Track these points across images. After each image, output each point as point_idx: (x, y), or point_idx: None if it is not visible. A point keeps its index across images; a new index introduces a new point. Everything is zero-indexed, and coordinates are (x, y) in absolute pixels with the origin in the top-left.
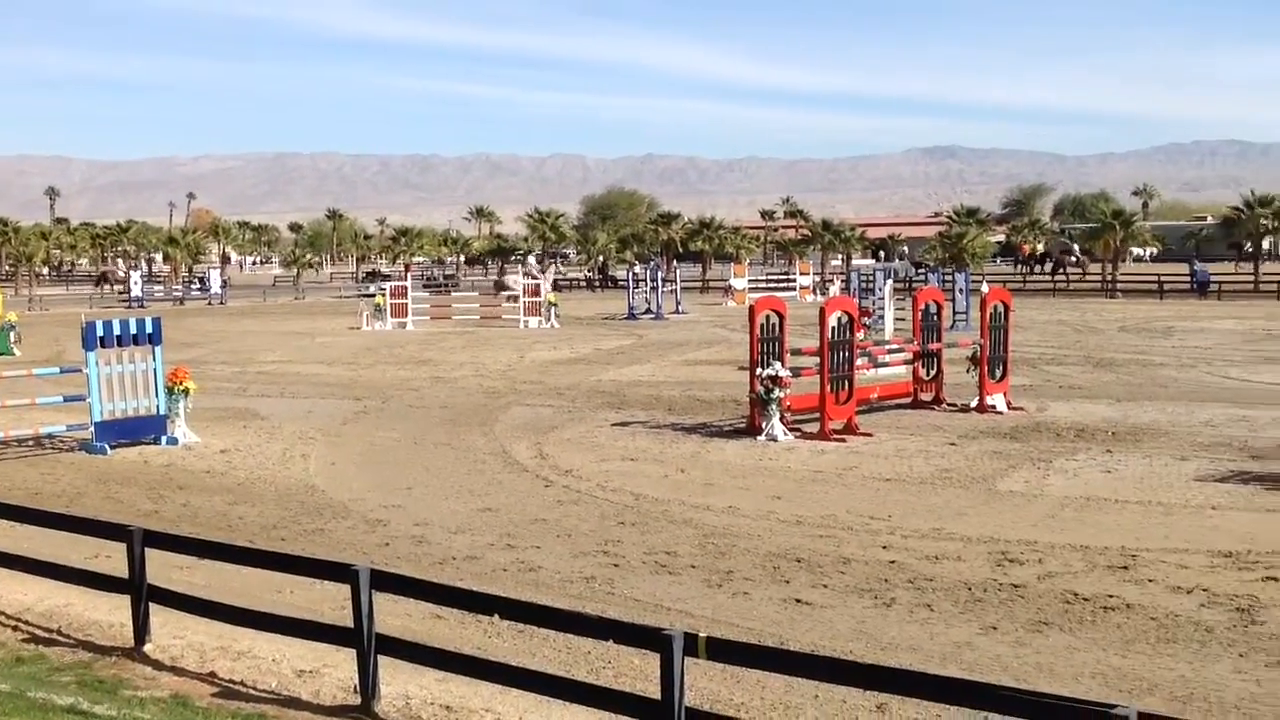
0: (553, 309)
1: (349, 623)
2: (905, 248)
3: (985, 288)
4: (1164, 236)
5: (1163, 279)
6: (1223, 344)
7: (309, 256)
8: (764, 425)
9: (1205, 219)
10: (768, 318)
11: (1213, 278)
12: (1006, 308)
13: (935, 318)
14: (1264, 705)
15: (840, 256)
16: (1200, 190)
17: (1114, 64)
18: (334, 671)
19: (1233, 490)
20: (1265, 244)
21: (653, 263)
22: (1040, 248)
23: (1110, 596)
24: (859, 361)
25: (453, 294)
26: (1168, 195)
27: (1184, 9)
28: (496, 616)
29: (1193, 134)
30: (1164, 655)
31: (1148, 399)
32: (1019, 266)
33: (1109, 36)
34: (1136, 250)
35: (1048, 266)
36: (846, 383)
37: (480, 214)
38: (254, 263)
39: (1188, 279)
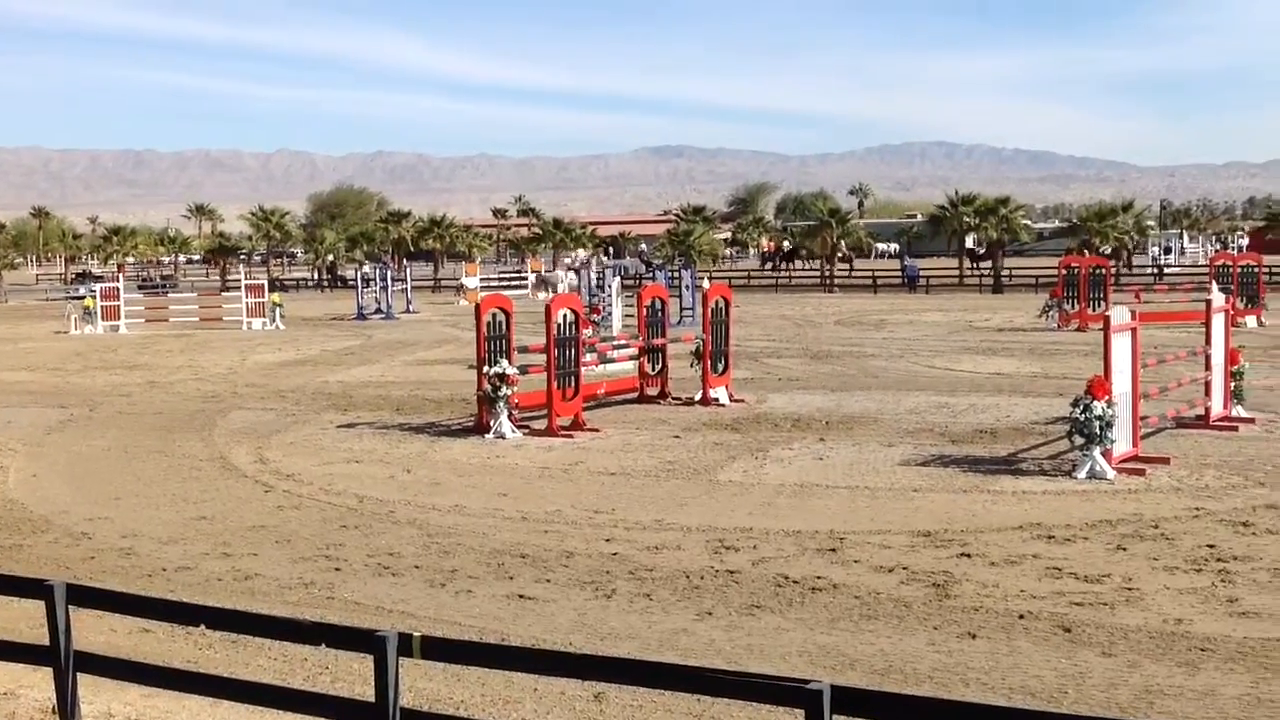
0: (277, 309)
1: (45, 641)
2: (645, 245)
3: (706, 283)
4: (878, 233)
5: (876, 274)
6: (929, 335)
7: (12, 257)
8: (492, 423)
9: (916, 216)
10: (494, 315)
11: (921, 272)
12: (727, 303)
13: (660, 314)
14: (953, 674)
15: (573, 253)
16: (912, 189)
17: (832, 68)
18: (31, 692)
19: (933, 473)
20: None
21: (383, 262)
22: (786, 244)
23: (819, 578)
24: (586, 358)
25: (170, 295)
26: (881, 194)
27: (893, 17)
28: (204, 627)
29: (905, 136)
30: (866, 631)
31: (859, 389)
32: (765, 263)
33: (825, 40)
34: (881, 246)
35: (796, 264)
36: (574, 379)
37: (201, 212)
38: None
39: (899, 274)
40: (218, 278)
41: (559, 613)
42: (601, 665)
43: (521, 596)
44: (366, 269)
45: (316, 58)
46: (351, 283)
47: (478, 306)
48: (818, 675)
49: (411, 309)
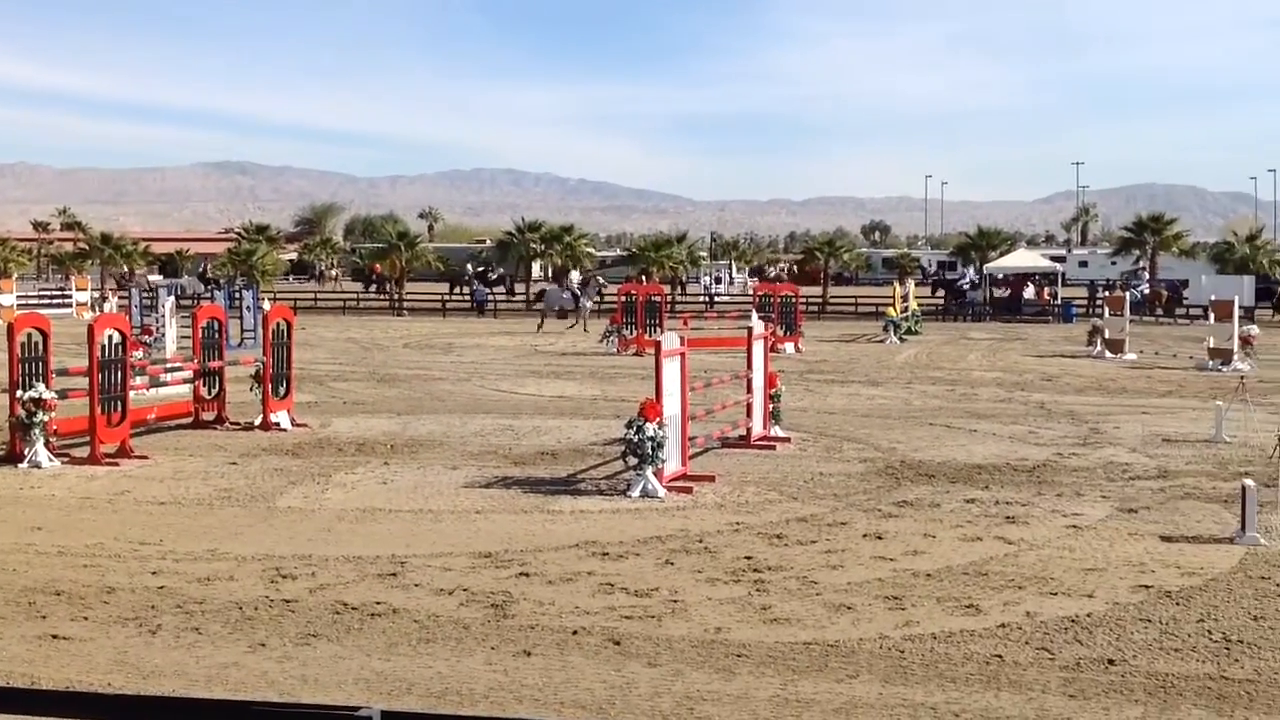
0: None
1: None
2: (207, 263)
3: (267, 305)
4: (448, 258)
5: (446, 298)
6: (496, 359)
7: None
8: (26, 452)
9: (485, 241)
10: (29, 336)
11: (490, 297)
12: (289, 325)
13: (217, 335)
14: (508, 692)
15: (129, 272)
16: (481, 214)
17: (401, 91)
18: None
19: (496, 494)
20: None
21: None
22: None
23: (378, 603)
24: (136, 381)
25: None
26: (451, 218)
27: (462, 45)
28: None
29: (474, 162)
30: (424, 655)
31: (426, 412)
32: (370, 286)
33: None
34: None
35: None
36: (120, 403)
37: None
38: None
39: (468, 298)
40: None
41: (97, 652)
42: (138, 706)
43: (55, 636)
44: None
45: None
46: None
47: (10, 326)
48: (373, 701)
49: None
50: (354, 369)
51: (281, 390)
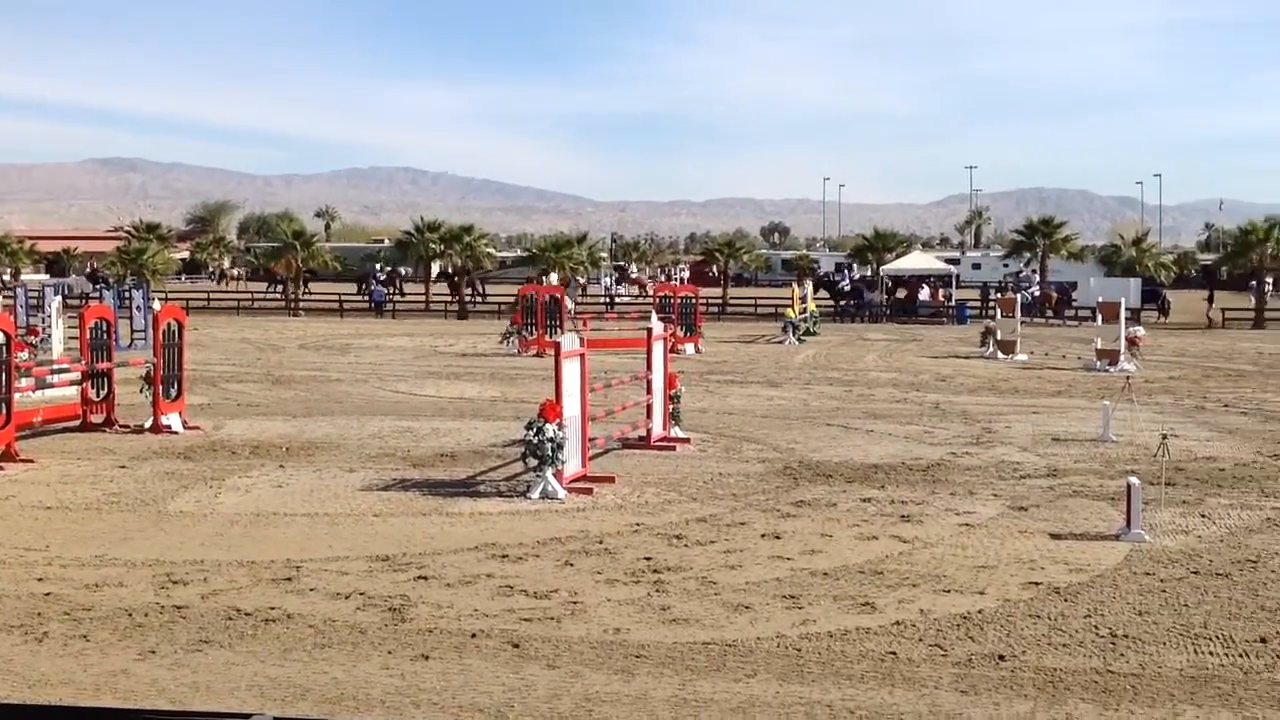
0: None
1: None
2: (94, 262)
3: (158, 305)
4: (345, 257)
5: (343, 298)
6: (395, 360)
7: None
8: None
9: (383, 241)
10: None
11: (388, 297)
12: (180, 326)
13: (106, 336)
14: (405, 696)
15: (9, 270)
16: (380, 214)
17: (295, 89)
18: None
19: (394, 497)
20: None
21: None
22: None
23: (272, 609)
24: (21, 383)
25: None
26: (349, 217)
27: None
28: None
29: (372, 160)
30: (320, 660)
31: (322, 414)
32: (273, 286)
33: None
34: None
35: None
36: (4, 406)
37: None
38: None
39: (366, 299)
40: None
41: None
42: (23, 715)
43: None
44: None
45: None
46: None
47: None
48: (267, 708)
49: None
50: (248, 370)
51: (173, 392)
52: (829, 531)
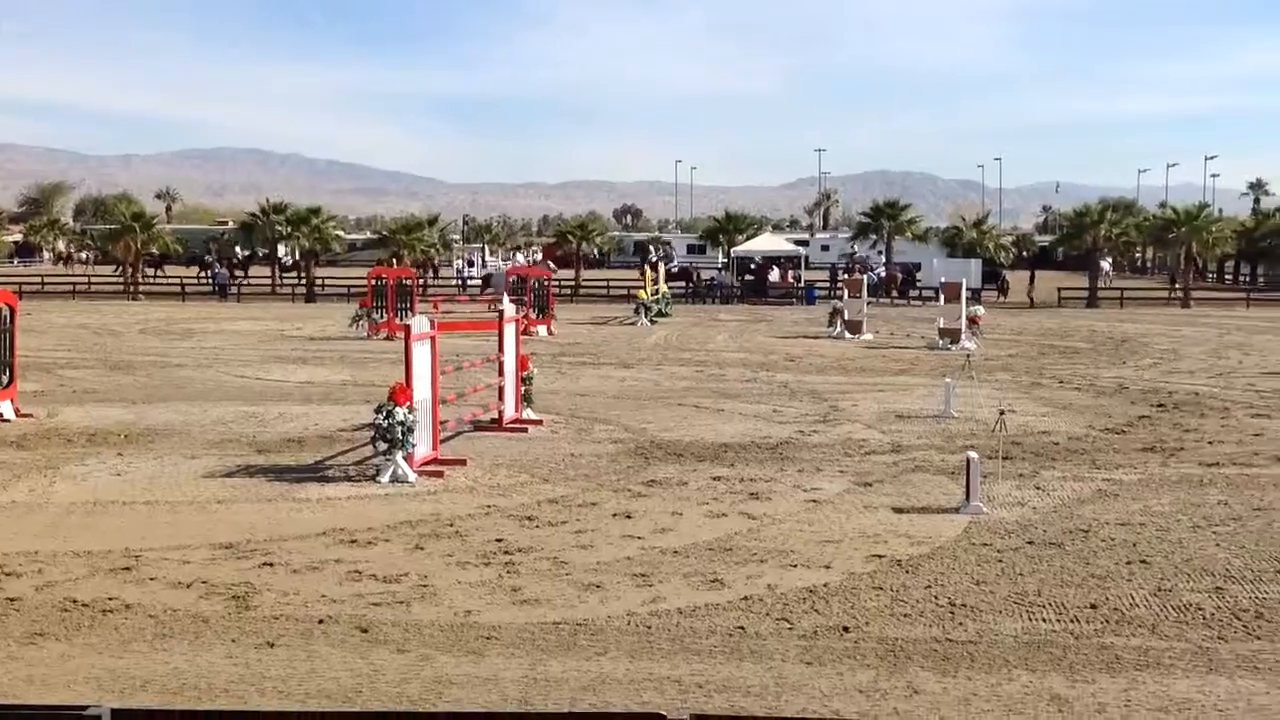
0: None
1: None
2: None
3: None
4: (187, 239)
5: (185, 281)
6: (240, 344)
7: None
8: None
9: (227, 223)
10: None
11: (231, 281)
12: (13, 311)
13: None
14: (249, 685)
15: None
16: (224, 195)
17: (131, 67)
18: None
19: (238, 484)
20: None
21: None
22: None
23: (111, 599)
24: None
25: None
26: (191, 199)
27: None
28: None
29: (215, 141)
30: (160, 651)
31: (163, 400)
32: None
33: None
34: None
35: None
36: None
37: None
38: None
39: (209, 281)
40: None
41: None
42: None
43: None
44: None
45: None
46: None
47: None
48: (105, 700)
49: None
50: (85, 356)
51: (4, 379)
52: (679, 510)
